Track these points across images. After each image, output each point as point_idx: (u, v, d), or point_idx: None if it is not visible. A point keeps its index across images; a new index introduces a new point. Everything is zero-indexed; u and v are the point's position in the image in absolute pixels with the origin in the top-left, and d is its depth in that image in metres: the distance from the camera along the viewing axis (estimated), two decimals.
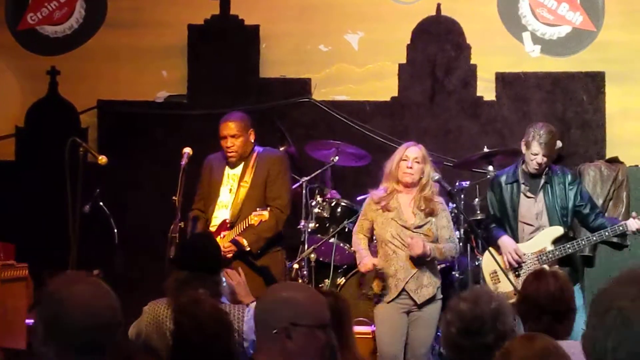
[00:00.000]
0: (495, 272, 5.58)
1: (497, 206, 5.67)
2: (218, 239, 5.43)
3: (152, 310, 4.16)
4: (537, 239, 5.56)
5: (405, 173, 5.40)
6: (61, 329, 2.24)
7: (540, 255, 5.52)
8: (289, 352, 2.74)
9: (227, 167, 5.88)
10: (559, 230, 5.53)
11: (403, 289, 5.34)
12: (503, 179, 5.66)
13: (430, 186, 5.41)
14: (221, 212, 5.83)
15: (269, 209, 5.58)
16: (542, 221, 5.57)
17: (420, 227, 5.36)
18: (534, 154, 5.49)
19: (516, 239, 5.58)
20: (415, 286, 5.34)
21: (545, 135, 5.48)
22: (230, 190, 5.84)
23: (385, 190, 5.46)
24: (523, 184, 5.59)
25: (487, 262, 5.63)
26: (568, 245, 5.49)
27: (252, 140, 5.87)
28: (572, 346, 2.98)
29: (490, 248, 5.55)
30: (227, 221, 5.75)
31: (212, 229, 5.76)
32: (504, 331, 2.96)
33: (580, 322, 4.91)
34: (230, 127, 5.78)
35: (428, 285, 5.36)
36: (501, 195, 5.63)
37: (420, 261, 5.34)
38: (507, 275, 5.46)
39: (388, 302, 5.37)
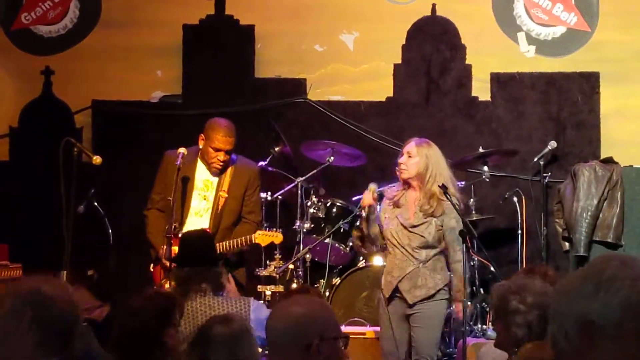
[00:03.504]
0: None
1: None
2: None
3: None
4: None
5: (397, 168, 5.38)
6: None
7: None
8: None
9: (196, 170, 5.76)
10: None
11: (396, 287, 5.31)
12: None
13: (434, 184, 5.29)
14: (194, 220, 5.73)
15: (277, 231, 5.73)
16: None
17: (416, 226, 5.32)
18: None
19: None
20: (408, 286, 5.29)
21: None
22: (206, 198, 5.76)
23: (398, 186, 5.43)
24: None
25: None
26: None
27: None
28: None
29: None
30: (210, 232, 5.70)
31: None
32: None
33: None
34: (230, 142, 5.68)
35: (422, 286, 5.28)
36: None
37: (416, 262, 5.32)
38: None
39: (387, 305, 5.33)
